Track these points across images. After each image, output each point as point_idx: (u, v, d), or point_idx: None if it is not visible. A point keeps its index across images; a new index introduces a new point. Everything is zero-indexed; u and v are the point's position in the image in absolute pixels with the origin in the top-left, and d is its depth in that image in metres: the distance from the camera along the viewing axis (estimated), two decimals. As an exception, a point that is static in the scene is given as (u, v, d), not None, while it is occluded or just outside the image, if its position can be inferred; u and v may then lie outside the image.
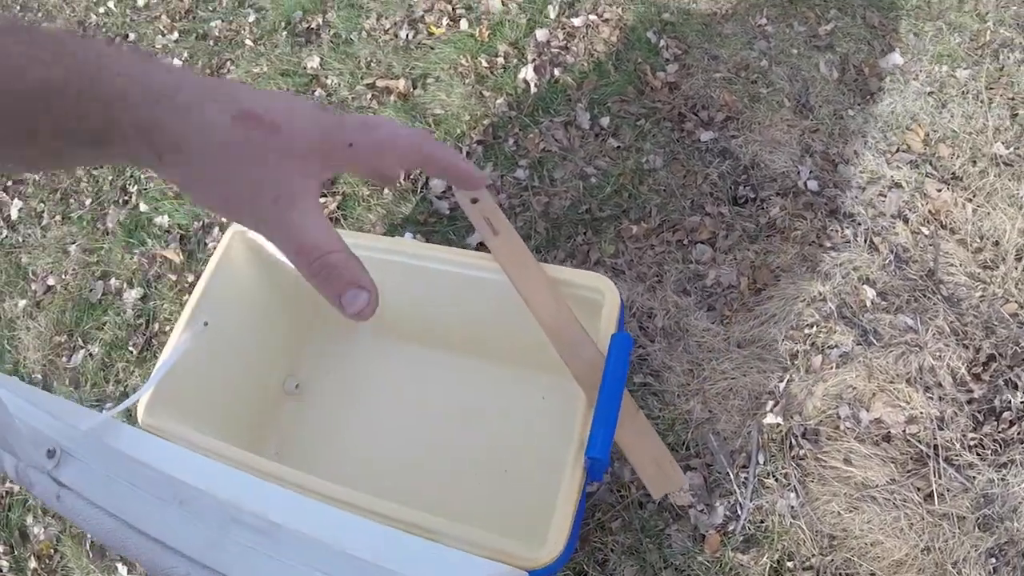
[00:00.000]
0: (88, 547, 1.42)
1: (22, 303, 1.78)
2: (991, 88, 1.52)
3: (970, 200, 1.41)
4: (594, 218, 1.47)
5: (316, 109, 0.36)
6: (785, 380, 1.29)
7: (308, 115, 0.35)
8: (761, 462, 1.25)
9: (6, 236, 1.92)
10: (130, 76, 0.32)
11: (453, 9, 1.83)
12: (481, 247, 1.44)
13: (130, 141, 0.32)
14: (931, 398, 1.27)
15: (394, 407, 1.28)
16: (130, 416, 1.15)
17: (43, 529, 1.47)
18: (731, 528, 1.21)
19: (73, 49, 0.31)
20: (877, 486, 1.22)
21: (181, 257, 1.68)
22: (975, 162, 1.44)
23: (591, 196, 1.49)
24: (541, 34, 1.71)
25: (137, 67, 0.32)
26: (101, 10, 2.26)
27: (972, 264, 1.36)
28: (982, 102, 1.50)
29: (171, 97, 0.32)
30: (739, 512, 1.22)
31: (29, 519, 1.49)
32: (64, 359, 1.65)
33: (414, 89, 1.73)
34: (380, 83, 1.76)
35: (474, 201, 1.09)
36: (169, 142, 0.32)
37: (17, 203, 1.96)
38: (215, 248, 1.65)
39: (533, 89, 1.64)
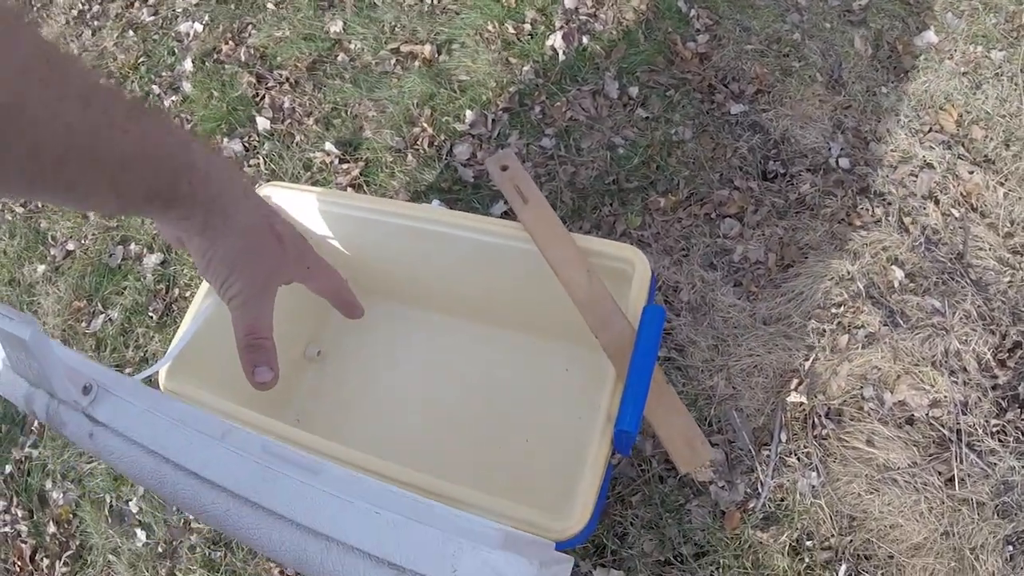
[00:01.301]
0: (107, 512, 1.43)
1: (41, 268, 1.78)
2: (1027, 70, 1.49)
3: (1002, 184, 1.39)
4: (621, 189, 1.45)
5: (299, 236, 0.57)
6: (810, 359, 1.28)
7: (296, 238, 0.56)
8: (783, 440, 1.24)
9: (24, 202, 1.91)
10: (209, 164, 0.46)
11: (480, -27, 1.80)
12: (506, 216, 1.43)
13: (192, 208, 0.46)
14: (956, 382, 1.26)
15: (415, 376, 1.27)
16: (150, 381, 1.15)
17: (62, 494, 1.48)
18: (751, 505, 1.21)
19: (177, 136, 0.44)
20: (898, 469, 1.21)
21: (200, 220, 1.67)
22: (1008, 145, 1.42)
23: (618, 167, 1.47)
24: (569, 1, 1.68)
25: (215, 159, 0.47)
26: (119, -31, 2.22)
27: (1002, 249, 1.34)
28: (1017, 85, 1.47)
29: (229, 190, 0.48)
30: (760, 490, 1.22)
31: (48, 484, 1.50)
32: (84, 324, 1.65)
33: (439, 55, 1.71)
34: (404, 48, 1.73)
35: (504, 168, 1.07)
36: (217, 218, 0.48)
37: (35, 164, 1.94)
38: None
39: (561, 57, 1.61)
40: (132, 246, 1.72)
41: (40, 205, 1.88)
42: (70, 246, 1.78)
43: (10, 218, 1.88)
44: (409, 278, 1.22)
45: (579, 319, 1.15)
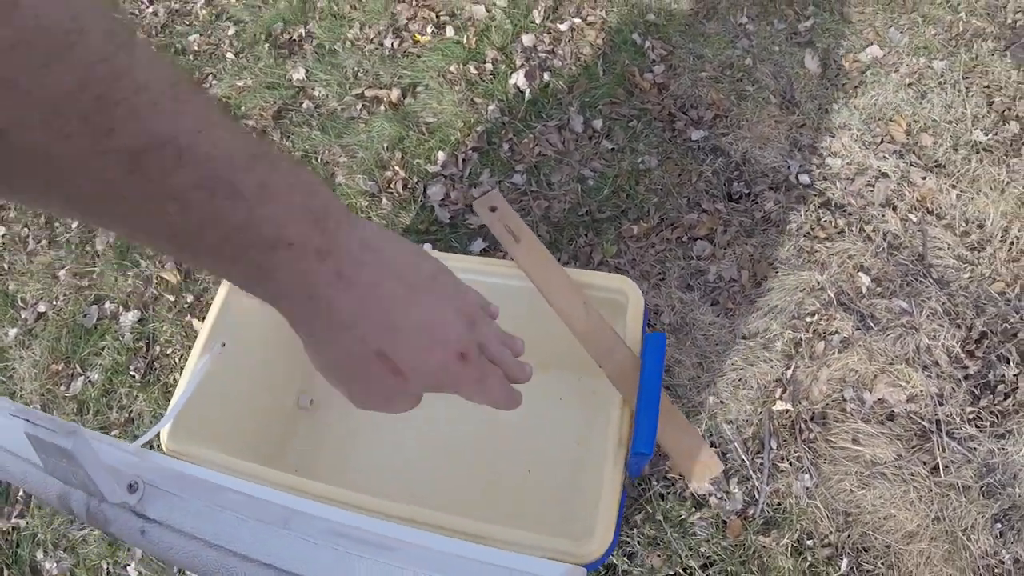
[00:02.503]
0: None
1: (13, 332, 1.74)
2: (967, 77, 1.58)
3: (954, 186, 1.47)
4: (594, 220, 1.50)
5: (442, 365, 0.40)
6: (791, 367, 1.34)
7: (433, 367, 0.40)
8: (774, 447, 1.29)
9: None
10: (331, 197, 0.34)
11: (437, 16, 1.84)
12: (485, 253, 1.47)
13: (278, 297, 0.35)
14: (929, 376, 1.32)
15: (411, 416, 1.28)
16: (152, 444, 1.15)
17: (55, 564, 1.44)
18: (751, 512, 1.25)
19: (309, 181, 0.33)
20: (885, 463, 1.27)
21: (178, 277, 1.67)
22: (956, 149, 1.51)
23: (590, 198, 1.52)
24: (528, 39, 1.74)
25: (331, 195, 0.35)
26: (71, 28, 2.22)
27: (960, 247, 1.42)
28: (960, 91, 1.56)
29: (367, 231, 0.36)
30: (757, 497, 1.26)
31: (40, 554, 1.46)
32: (63, 387, 1.63)
33: (404, 98, 1.74)
34: (369, 93, 1.76)
35: (492, 209, 1.11)
36: (351, 269, 0.35)
37: (0, 229, 1.92)
38: (212, 266, 1.66)
39: (526, 94, 1.66)
40: (107, 304, 1.70)
41: (7, 266, 1.85)
42: (41, 308, 1.75)
43: (-26, 282, 1.85)
44: None
45: (570, 350, 1.18)
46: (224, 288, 1.14)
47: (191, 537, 0.54)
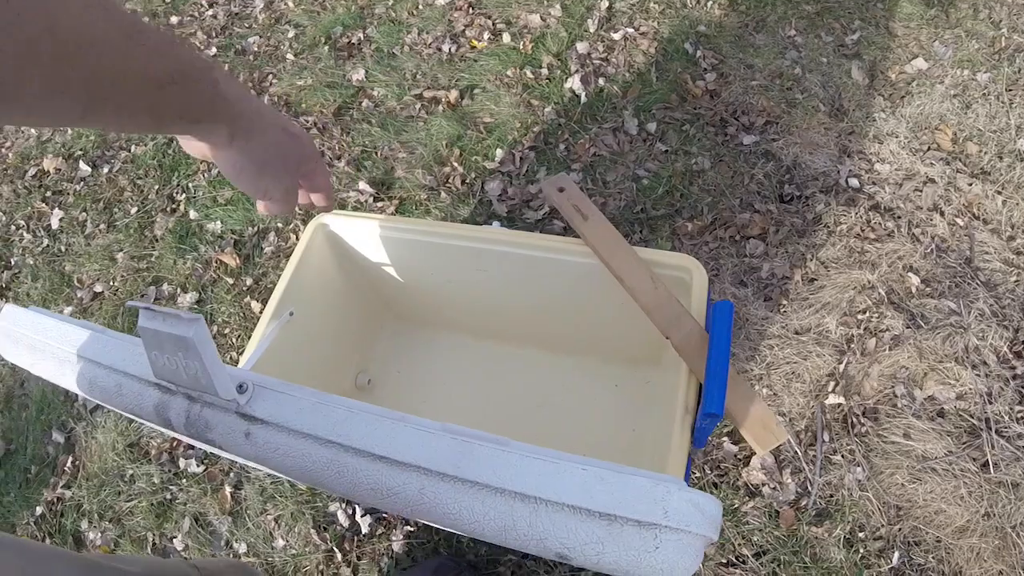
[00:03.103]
0: (150, 551, 1.43)
1: (68, 310, 1.79)
2: (1010, 90, 1.63)
3: (999, 192, 1.51)
4: (649, 217, 1.54)
5: (307, 134, 0.65)
6: (843, 363, 1.37)
7: (306, 135, 0.65)
8: (827, 440, 1.32)
9: (48, 245, 1.94)
10: (228, 82, 0.52)
11: (493, 24, 1.90)
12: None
13: (218, 123, 0.53)
14: (978, 375, 1.35)
15: (465, 402, 1.31)
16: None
17: (100, 535, 1.48)
18: (803, 503, 1.27)
19: (203, 60, 0.49)
20: (936, 458, 1.29)
21: (237, 261, 1.72)
22: (1001, 157, 1.55)
23: (644, 196, 1.57)
24: (582, 47, 1.79)
25: (232, 79, 0.54)
26: (132, 29, 2.29)
27: (1006, 251, 1.45)
28: (1003, 103, 1.61)
29: (249, 104, 0.56)
30: (809, 488, 1.29)
31: (84, 524, 1.50)
32: (120, 365, 1.67)
33: (462, 99, 1.80)
34: (428, 94, 1.82)
35: (561, 190, 1.15)
36: (241, 129, 0.55)
37: (58, 212, 1.98)
38: (271, 251, 1.71)
39: (583, 98, 1.71)
40: (165, 286, 1.75)
41: (64, 247, 1.90)
42: (98, 287, 1.81)
43: (31, 262, 1.91)
44: (461, 304, 1.27)
45: (627, 337, 1.22)
46: (294, 258, 1.16)
47: (301, 435, 0.55)
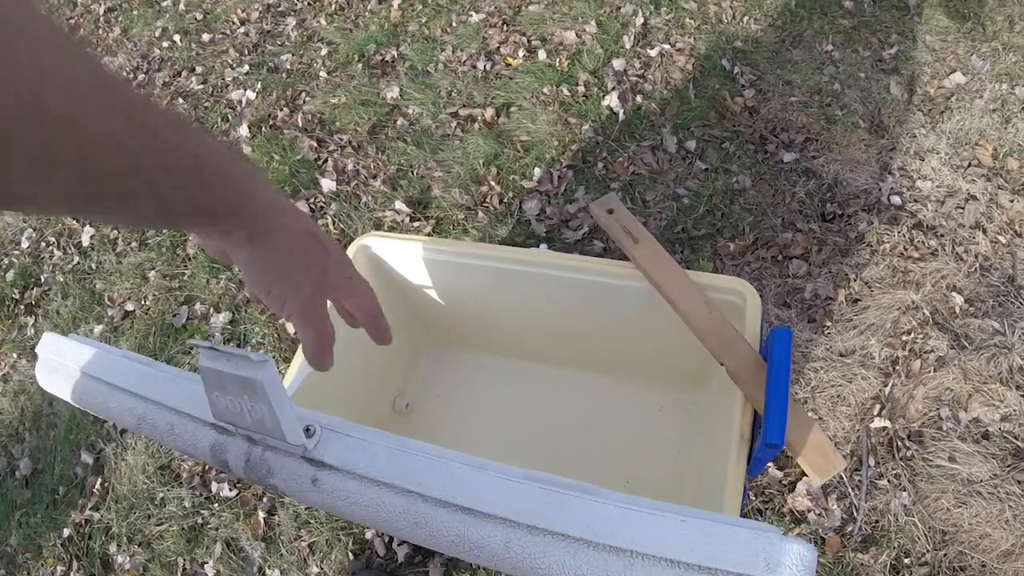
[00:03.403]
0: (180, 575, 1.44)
1: (98, 328, 1.80)
2: (1051, 105, 1.62)
3: (1042, 210, 1.50)
4: (690, 237, 1.54)
5: (340, 248, 0.57)
6: (888, 385, 1.36)
7: (338, 248, 0.56)
8: (872, 464, 1.31)
9: (78, 263, 1.95)
10: (251, 177, 0.47)
11: (528, 41, 1.91)
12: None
13: (237, 222, 0.47)
14: (1023, 396, 1.34)
15: (505, 425, 1.29)
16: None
17: (128, 559, 1.47)
18: (849, 529, 1.27)
19: (220, 151, 0.44)
20: (981, 481, 1.29)
21: (275, 283, 1.72)
22: (1043, 174, 1.54)
23: (685, 216, 1.57)
24: (618, 63, 1.80)
25: (255, 174, 0.48)
26: (165, 44, 2.31)
27: (1050, 270, 1.44)
28: (1044, 118, 1.60)
29: (272, 203, 0.49)
30: (855, 514, 1.28)
31: (112, 547, 1.49)
32: (151, 385, 1.67)
33: (498, 117, 1.80)
34: (463, 112, 1.83)
35: (610, 211, 1.14)
36: (262, 230, 0.49)
37: (88, 230, 2.00)
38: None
39: (621, 116, 1.71)
40: (197, 305, 1.76)
41: (94, 265, 1.92)
42: (129, 306, 1.82)
43: (62, 279, 1.92)
44: (502, 326, 1.26)
45: (672, 362, 1.21)
46: None
47: (374, 483, 0.52)
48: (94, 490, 1.57)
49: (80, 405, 0.65)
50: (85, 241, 1.98)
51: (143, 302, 1.81)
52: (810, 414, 1.36)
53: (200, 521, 1.46)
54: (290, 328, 0.53)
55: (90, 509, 1.54)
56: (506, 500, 0.49)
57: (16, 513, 1.58)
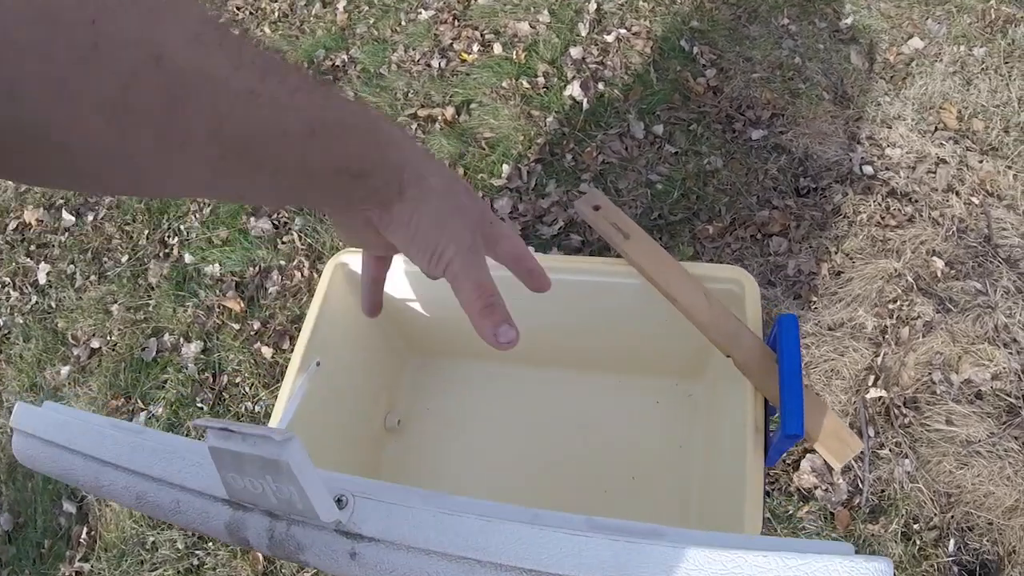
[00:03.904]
0: None
1: (65, 369, 1.72)
2: (1007, 63, 1.64)
3: (1010, 167, 1.51)
4: (667, 223, 1.52)
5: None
6: (880, 355, 1.36)
7: (475, 197, 0.48)
8: (872, 435, 1.31)
9: (36, 302, 1.86)
10: (389, 126, 0.41)
11: (482, 35, 1.86)
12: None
13: (385, 175, 0.41)
14: (1011, 353, 1.35)
15: (502, 432, 1.26)
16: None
17: None
18: (856, 502, 1.26)
19: (355, 104, 0.38)
20: (979, 441, 1.29)
21: (241, 305, 1.66)
22: (1008, 132, 1.55)
23: (660, 202, 1.54)
24: (576, 52, 1.76)
25: (391, 124, 0.41)
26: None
27: (1023, 226, 1.46)
28: (1003, 76, 1.61)
29: (415, 152, 0.43)
30: (861, 486, 1.28)
31: None
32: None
33: (459, 115, 1.76)
34: (422, 112, 1.78)
35: (596, 208, 1.11)
36: (413, 181, 0.42)
37: (44, 267, 1.90)
38: (275, 292, 1.65)
39: (585, 105, 1.68)
40: (166, 336, 1.69)
41: (54, 303, 1.83)
42: (95, 344, 1.73)
43: (21, 320, 1.83)
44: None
45: (667, 353, 1.19)
46: (315, 304, 1.11)
47: (423, 552, 0.47)
48: (81, 540, 1.50)
49: (70, 483, 0.59)
50: (42, 279, 1.88)
51: (109, 338, 1.73)
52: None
53: (196, 563, 1.40)
54: (467, 303, 0.43)
55: (79, 560, 1.48)
56: (572, 556, 0.46)
57: (3, 572, 1.50)
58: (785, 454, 1.31)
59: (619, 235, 1.06)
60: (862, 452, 1.30)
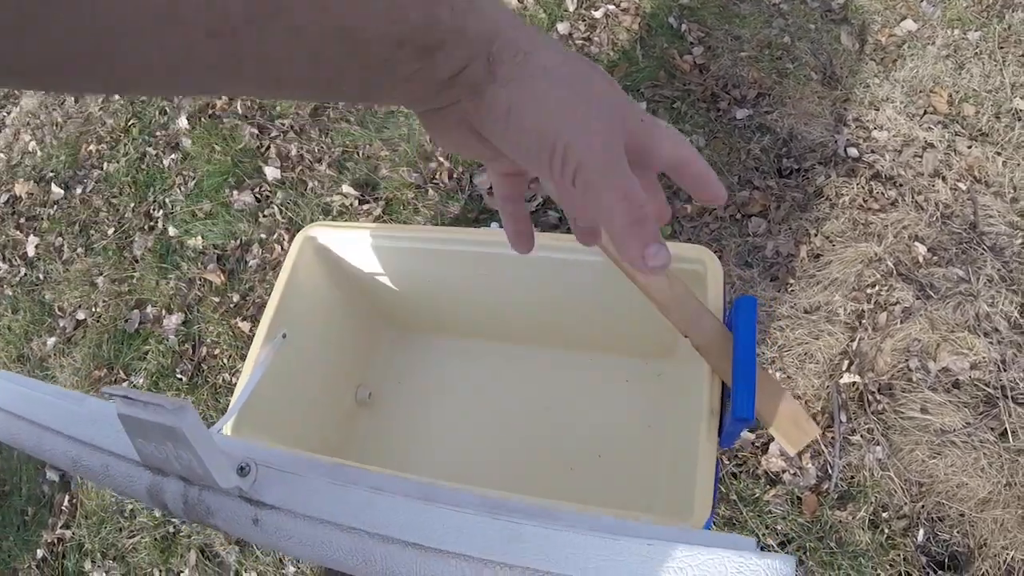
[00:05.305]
0: None
1: (51, 340, 1.74)
2: (1002, 47, 1.60)
3: (999, 154, 1.48)
4: (646, 202, 1.49)
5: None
6: (856, 340, 1.34)
7: (615, 84, 0.35)
8: (844, 420, 1.29)
9: (25, 274, 1.87)
10: None
11: (469, 9, 1.84)
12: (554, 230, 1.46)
13: (468, 48, 0.30)
14: (991, 343, 1.33)
15: (472, 407, 1.26)
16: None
17: (104, 574, 1.44)
18: (825, 487, 1.25)
19: None
20: (955, 431, 1.27)
21: (222, 277, 1.66)
22: (999, 117, 1.52)
23: (640, 180, 1.52)
24: (563, 27, 1.74)
25: None
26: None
27: (1010, 213, 1.43)
28: (996, 61, 1.57)
29: (511, 20, 0.32)
30: (830, 471, 1.26)
31: (87, 564, 1.45)
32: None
33: (443, 91, 1.74)
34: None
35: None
36: (511, 55, 0.31)
37: (33, 239, 1.91)
38: (255, 265, 1.65)
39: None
40: (149, 309, 1.70)
41: (42, 276, 1.84)
42: (80, 315, 1.75)
43: (10, 292, 1.85)
44: (461, 308, 1.23)
45: (636, 332, 1.18)
46: (282, 277, 1.10)
47: (318, 521, 0.48)
48: (63, 507, 1.52)
49: (16, 447, 0.61)
50: (31, 251, 1.90)
51: (94, 309, 1.74)
52: (778, 374, 1.33)
53: (172, 530, 1.42)
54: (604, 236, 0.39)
55: (61, 527, 1.50)
56: (458, 533, 0.46)
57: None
58: (754, 436, 1.30)
59: (583, 211, 1.04)
60: (833, 437, 1.28)
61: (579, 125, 0.31)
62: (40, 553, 1.48)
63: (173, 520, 1.41)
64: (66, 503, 1.52)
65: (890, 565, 1.19)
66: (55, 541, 1.49)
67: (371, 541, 0.47)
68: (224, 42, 0.24)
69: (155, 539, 1.41)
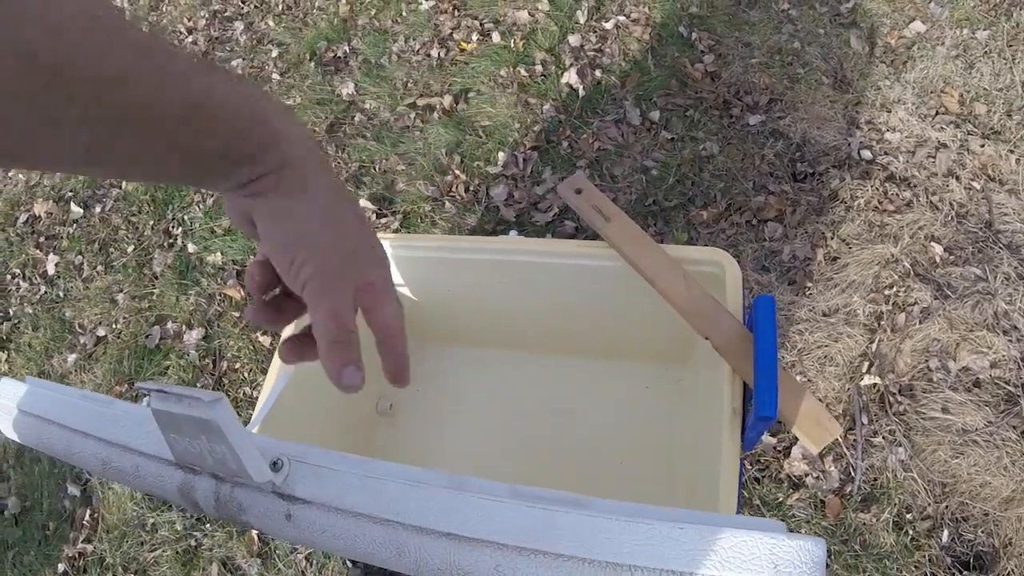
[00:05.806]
0: None
1: (72, 357, 1.76)
2: (1011, 45, 1.60)
3: (1012, 151, 1.48)
4: (662, 209, 1.51)
5: (381, 246, 0.45)
6: (875, 341, 1.34)
7: (380, 244, 0.45)
8: (866, 423, 1.29)
9: (45, 292, 1.90)
10: (284, 121, 0.39)
11: (480, 24, 1.86)
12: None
13: (266, 163, 0.38)
14: (1010, 341, 1.33)
15: (493, 417, 1.26)
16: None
17: None
18: (848, 490, 1.25)
19: (248, 91, 0.37)
20: (976, 430, 1.27)
21: (242, 292, 1.68)
22: (1011, 115, 1.52)
23: (655, 188, 1.54)
24: (574, 39, 1.76)
25: (292, 120, 0.39)
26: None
27: (1026, 212, 1.43)
28: (1006, 59, 1.58)
29: (307, 153, 0.40)
30: (853, 474, 1.26)
31: None
32: (129, 409, 1.63)
33: (457, 104, 1.76)
34: (421, 102, 1.78)
35: (578, 191, 1.10)
36: (294, 178, 0.39)
37: (53, 258, 1.94)
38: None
39: (581, 92, 1.68)
40: (169, 324, 1.71)
41: (62, 293, 1.86)
42: (100, 331, 1.77)
43: (30, 311, 1.87)
44: (480, 318, 1.23)
45: (654, 338, 1.18)
46: None
47: (351, 514, 0.48)
48: (84, 522, 1.53)
49: (46, 451, 0.62)
50: (51, 270, 1.92)
51: (114, 326, 1.76)
52: (799, 377, 1.33)
53: (194, 543, 1.42)
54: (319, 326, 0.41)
55: (82, 542, 1.51)
56: (491, 522, 0.46)
57: (9, 553, 1.54)
58: (776, 441, 1.30)
59: (600, 218, 1.06)
60: (855, 440, 1.28)
61: (319, 251, 0.40)
62: (61, 568, 1.49)
63: (195, 533, 1.42)
64: (87, 517, 1.53)
65: (915, 567, 1.19)
66: (76, 556, 1.50)
67: (405, 533, 0.47)
68: (91, 145, 0.31)
69: (176, 552, 1.42)
